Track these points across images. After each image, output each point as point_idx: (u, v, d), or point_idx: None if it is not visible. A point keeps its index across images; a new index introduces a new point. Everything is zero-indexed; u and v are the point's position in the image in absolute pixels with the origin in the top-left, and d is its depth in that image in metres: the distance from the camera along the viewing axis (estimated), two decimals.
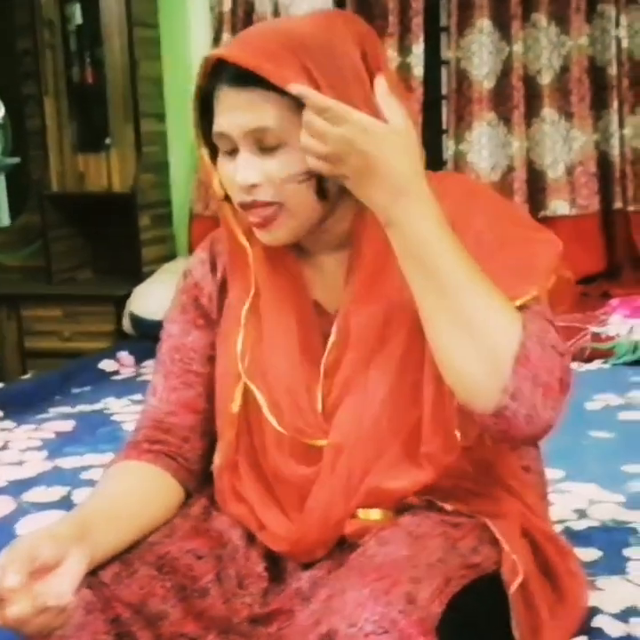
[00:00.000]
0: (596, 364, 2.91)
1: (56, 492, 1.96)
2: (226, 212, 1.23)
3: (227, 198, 1.20)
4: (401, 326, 1.17)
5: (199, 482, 1.32)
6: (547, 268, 1.14)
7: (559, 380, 1.08)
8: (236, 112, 1.12)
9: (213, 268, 1.32)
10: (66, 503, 1.85)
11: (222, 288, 1.31)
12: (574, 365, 2.84)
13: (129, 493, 1.22)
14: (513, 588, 1.10)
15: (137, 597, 1.14)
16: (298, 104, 1.07)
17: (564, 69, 3.37)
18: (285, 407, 1.21)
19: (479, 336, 1.05)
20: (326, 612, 1.03)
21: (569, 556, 1.28)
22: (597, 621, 1.33)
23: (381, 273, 1.18)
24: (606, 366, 2.91)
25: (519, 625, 1.10)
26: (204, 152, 1.20)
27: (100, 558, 1.12)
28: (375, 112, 1.07)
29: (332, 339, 1.21)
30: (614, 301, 3.17)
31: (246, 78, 1.10)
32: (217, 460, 1.31)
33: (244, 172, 1.13)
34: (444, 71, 3.57)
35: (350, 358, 1.19)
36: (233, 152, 1.14)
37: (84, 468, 2.11)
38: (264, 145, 1.12)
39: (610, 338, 2.97)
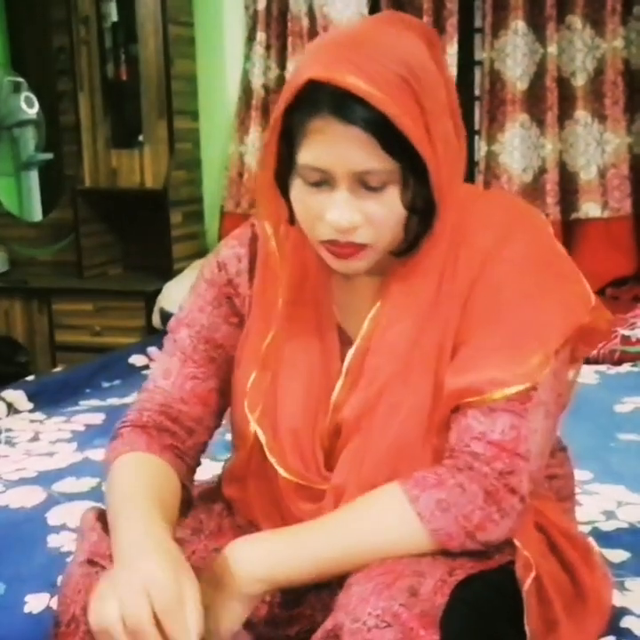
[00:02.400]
0: (626, 368, 2.90)
1: (86, 483, 1.97)
2: (266, 233, 1.21)
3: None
4: (414, 373, 1.15)
5: (193, 476, 1.29)
6: (557, 337, 1.12)
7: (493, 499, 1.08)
8: (344, 150, 1.06)
9: (251, 269, 1.28)
10: (95, 494, 1.86)
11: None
12: (604, 368, 2.83)
13: (165, 487, 1.19)
14: (527, 585, 1.10)
15: None
16: (397, 144, 1.05)
17: (598, 72, 3.34)
18: (288, 450, 1.20)
19: (387, 550, 1.09)
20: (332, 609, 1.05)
21: (590, 553, 1.28)
22: (626, 622, 1.32)
23: (407, 307, 1.17)
24: (636, 369, 2.89)
25: (531, 621, 1.09)
26: (268, 172, 1.15)
27: None
28: (457, 123, 1.11)
29: (340, 382, 1.20)
30: None
31: (354, 108, 1.04)
32: (229, 464, 1.32)
33: (345, 214, 1.08)
34: (477, 72, 3.55)
35: (358, 398, 1.18)
36: (321, 184, 1.09)
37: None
38: (368, 185, 1.07)
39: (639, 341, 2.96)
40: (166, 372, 1.28)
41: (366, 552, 1.09)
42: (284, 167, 1.13)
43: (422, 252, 1.15)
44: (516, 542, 1.12)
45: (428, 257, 1.15)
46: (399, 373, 1.15)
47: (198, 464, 1.30)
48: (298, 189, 1.11)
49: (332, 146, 1.06)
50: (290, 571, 1.10)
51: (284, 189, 1.14)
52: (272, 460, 1.21)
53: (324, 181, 1.08)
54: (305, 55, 1.12)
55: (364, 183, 1.07)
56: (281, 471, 1.20)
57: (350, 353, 1.19)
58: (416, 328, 1.15)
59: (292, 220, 1.16)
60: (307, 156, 1.08)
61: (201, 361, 1.28)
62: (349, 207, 1.08)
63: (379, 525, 1.10)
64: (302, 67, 1.09)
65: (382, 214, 1.08)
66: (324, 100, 1.05)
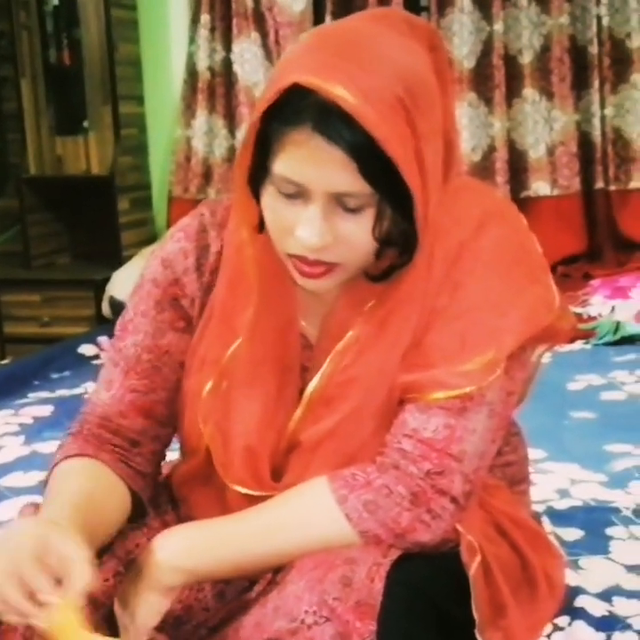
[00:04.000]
0: (578, 345, 2.91)
1: (33, 477, 1.93)
2: (240, 238, 1.14)
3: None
4: (376, 400, 1.12)
5: (151, 486, 1.24)
6: (511, 341, 1.09)
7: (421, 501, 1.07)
8: (323, 168, 0.98)
9: (199, 266, 1.19)
10: (42, 488, 1.82)
11: (207, 291, 1.20)
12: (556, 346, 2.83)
13: (99, 493, 1.14)
14: (473, 569, 1.08)
15: (100, 589, 1.12)
16: (381, 170, 0.98)
17: (545, 49, 3.35)
18: (239, 464, 1.17)
19: (313, 548, 1.07)
20: (268, 613, 1.03)
21: (539, 536, 1.26)
22: (580, 601, 1.32)
23: (374, 342, 1.12)
24: (588, 347, 2.92)
25: (479, 605, 1.07)
26: (241, 176, 1.07)
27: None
28: (451, 137, 1.07)
29: (299, 411, 1.16)
30: (596, 282, 3.17)
31: (338, 127, 0.96)
32: (176, 464, 1.29)
33: (317, 233, 1.01)
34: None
35: (318, 429, 1.14)
36: (295, 196, 1.02)
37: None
38: (346, 206, 1.01)
39: (591, 318, 2.97)
40: (108, 384, 1.22)
41: (291, 548, 1.08)
42: (257, 171, 1.05)
43: (400, 279, 1.10)
44: (459, 527, 1.09)
45: (405, 285, 1.10)
46: (360, 404, 1.12)
47: (156, 471, 1.26)
48: (270, 198, 1.04)
49: (311, 162, 0.98)
50: (208, 561, 1.08)
51: (256, 192, 1.08)
52: (220, 472, 1.18)
53: (298, 194, 1.02)
54: (292, 53, 1.04)
55: (341, 203, 1.01)
56: (229, 483, 1.17)
57: (312, 384, 1.14)
58: (382, 358, 1.12)
59: (261, 226, 1.10)
60: (283, 167, 1.00)
61: (144, 372, 1.20)
62: (322, 226, 1.01)
63: (304, 523, 1.08)
64: (288, 67, 1.01)
65: (356, 237, 1.02)
66: (307, 110, 0.97)
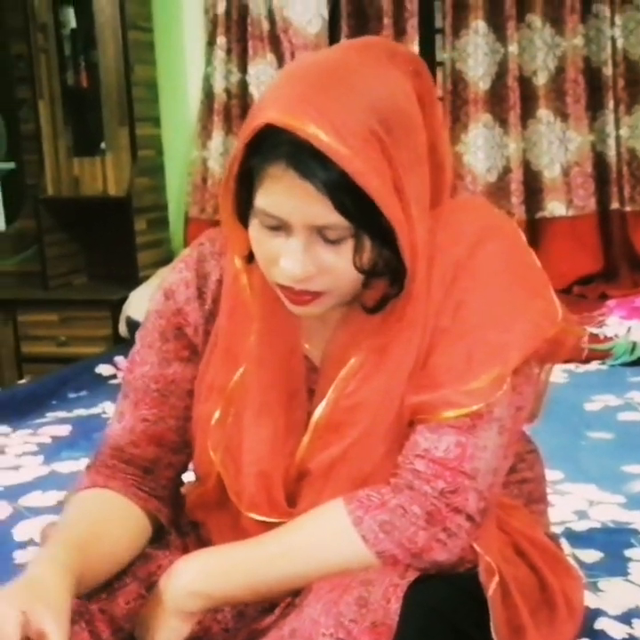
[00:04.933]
0: (595, 365, 2.90)
1: (52, 497, 1.94)
2: (236, 267, 1.17)
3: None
4: (384, 423, 1.12)
5: (171, 506, 1.26)
6: (516, 356, 1.09)
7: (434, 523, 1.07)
8: (300, 203, 1.00)
9: (200, 294, 1.22)
10: (62, 508, 1.82)
11: (210, 318, 1.22)
12: (572, 366, 2.83)
13: (106, 518, 1.16)
14: (491, 590, 1.08)
15: (121, 611, 1.14)
16: (358, 204, 0.99)
17: (560, 70, 3.36)
18: (254, 491, 1.17)
19: (330, 571, 1.07)
20: (286, 636, 1.03)
21: (558, 558, 1.26)
22: (600, 624, 1.32)
23: (377, 368, 1.13)
24: (604, 367, 2.91)
25: (498, 626, 1.07)
26: (227, 209, 1.09)
27: (88, 578, 1.09)
28: (440, 160, 1.08)
29: (306, 438, 1.16)
30: (611, 302, 3.16)
31: (311, 163, 0.97)
32: (192, 488, 1.29)
33: (299, 264, 1.03)
34: (439, 73, 3.56)
35: (327, 455, 1.14)
36: (277, 229, 1.04)
37: (80, 473, 2.09)
38: (326, 237, 1.02)
39: (608, 339, 2.97)
40: (120, 416, 1.25)
41: (309, 571, 1.08)
42: (244, 204, 1.07)
43: (399, 307, 1.10)
44: (477, 547, 1.09)
45: (404, 313, 1.11)
46: (368, 429, 1.12)
47: (174, 494, 1.27)
48: (255, 230, 1.06)
49: (288, 197, 1.00)
50: (227, 586, 1.09)
51: (246, 223, 1.09)
52: (234, 499, 1.18)
53: (280, 227, 1.03)
54: (269, 90, 1.05)
55: (322, 235, 1.02)
56: (243, 510, 1.18)
57: (318, 411, 1.15)
58: (387, 382, 1.12)
59: (253, 255, 1.12)
60: (263, 200, 1.02)
61: (153, 402, 1.23)
62: (303, 258, 1.02)
63: (321, 546, 1.09)
64: (263, 106, 1.02)
65: (339, 267, 1.04)
66: (281, 147, 0.98)
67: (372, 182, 0.98)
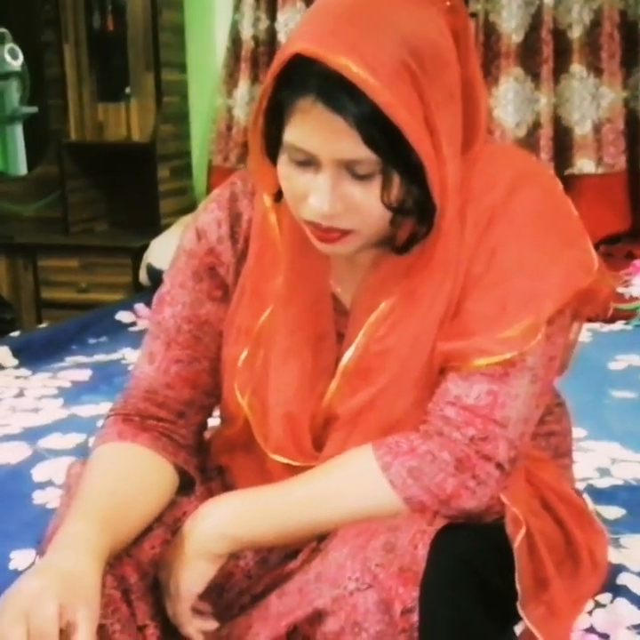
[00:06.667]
0: (619, 325, 2.87)
1: (72, 440, 1.93)
2: (265, 206, 1.15)
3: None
4: (414, 370, 1.11)
5: (197, 454, 1.25)
6: (550, 305, 1.08)
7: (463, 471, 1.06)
8: (329, 137, 0.98)
9: (233, 234, 1.20)
10: (81, 450, 1.83)
11: (242, 258, 1.20)
12: (597, 326, 2.80)
13: (133, 481, 1.15)
14: (517, 541, 1.07)
15: (147, 556, 1.14)
16: (388, 138, 0.97)
17: (595, 24, 3.28)
18: (281, 433, 1.16)
19: (358, 516, 1.07)
20: (311, 580, 1.03)
21: (583, 512, 1.25)
22: (622, 579, 1.30)
23: (408, 311, 1.11)
24: (629, 327, 2.88)
25: (523, 578, 1.07)
26: (256, 145, 1.08)
27: (118, 549, 1.09)
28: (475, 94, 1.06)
29: (335, 383, 1.15)
30: (638, 262, 3.12)
31: (341, 96, 0.96)
32: (217, 432, 1.28)
33: (326, 201, 1.01)
34: (472, 24, 3.48)
35: (355, 401, 1.14)
36: (306, 164, 1.03)
37: (101, 416, 2.08)
38: (355, 173, 1.01)
39: (633, 299, 2.93)
40: (151, 357, 1.23)
41: (336, 516, 1.07)
42: (273, 140, 1.06)
43: (430, 248, 1.09)
44: (504, 499, 1.09)
45: (436, 254, 1.09)
46: (398, 375, 1.11)
47: (200, 440, 1.27)
48: (284, 166, 1.05)
49: (317, 131, 0.98)
50: (254, 529, 1.09)
51: (274, 161, 1.08)
52: (261, 442, 1.18)
53: (308, 162, 1.02)
54: (300, 23, 1.04)
55: (351, 170, 1.01)
56: (269, 453, 1.17)
57: (347, 355, 1.14)
58: (417, 327, 1.11)
59: (281, 193, 1.10)
60: (292, 135, 1.01)
61: (186, 343, 1.21)
62: (331, 194, 1.01)
63: (349, 492, 1.08)
64: (294, 37, 1.01)
65: (367, 204, 1.02)
66: (311, 79, 0.97)
67: (401, 115, 0.96)
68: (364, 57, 0.95)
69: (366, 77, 0.95)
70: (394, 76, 0.96)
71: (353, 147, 0.98)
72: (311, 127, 0.99)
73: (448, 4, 1.05)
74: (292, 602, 1.04)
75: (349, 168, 1.01)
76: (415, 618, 0.97)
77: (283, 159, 1.05)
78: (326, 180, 1.01)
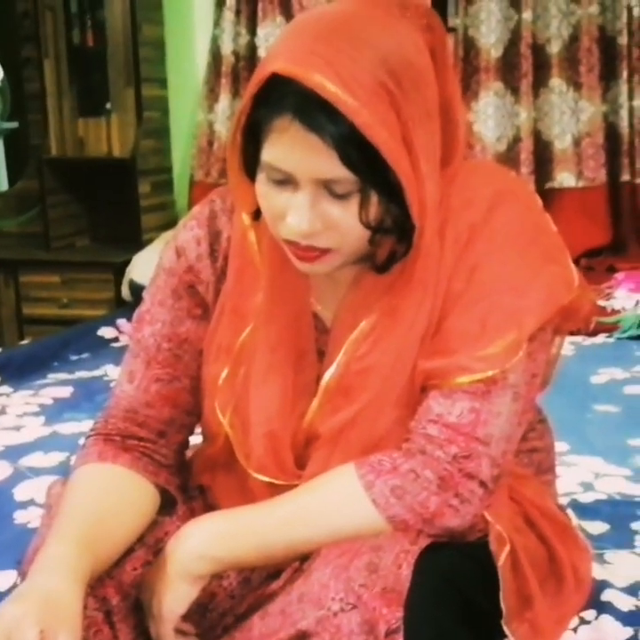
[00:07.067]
0: (601, 338, 2.88)
1: (54, 458, 1.92)
2: (244, 224, 1.15)
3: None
4: (395, 388, 1.11)
5: (179, 473, 1.25)
6: (532, 322, 1.08)
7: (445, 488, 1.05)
8: (306, 156, 0.98)
9: (212, 252, 1.19)
10: (63, 468, 1.81)
11: (221, 276, 1.20)
12: (579, 339, 2.81)
13: (114, 502, 1.14)
14: (501, 559, 1.07)
15: (128, 578, 1.13)
16: (365, 157, 0.97)
17: (574, 38, 3.31)
18: (262, 452, 1.16)
19: (341, 535, 1.06)
20: (294, 601, 1.02)
21: (567, 529, 1.25)
22: (607, 595, 1.30)
23: (389, 330, 1.11)
24: (611, 340, 2.88)
25: (507, 596, 1.07)
26: (234, 164, 1.07)
27: (100, 571, 1.08)
28: (454, 116, 1.06)
29: (316, 401, 1.14)
30: (620, 275, 3.13)
31: (317, 115, 0.95)
32: (199, 451, 1.28)
33: (305, 220, 1.01)
34: (451, 39, 3.50)
35: (336, 420, 1.13)
36: (284, 183, 1.02)
37: (83, 434, 2.07)
38: (333, 191, 1.00)
39: (615, 312, 2.94)
40: (131, 376, 1.22)
41: (319, 536, 1.07)
42: (251, 158, 1.05)
43: (410, 267, 1.08)
44: (488, 516, 1.09)
45: (416, 272, 1.08)
46: (379, 393, 1.11)
47: (182, 459, 1.26)
48: (262, 185, 1.04)
49: (295, 150, 0.98)
50: (236, 550, 1.08)
51: (253, 179, 1.07)
52: (242, 460, 1.17)
53: (286, 181, 1.02)
54: (277, 40, 1.04)
55: (329, 189, 1.00)
56: (251, 472, 1.17)
57: (328, 373, 1.13)
58: (398, 345, 1.10)
59: (260, 211, 1.10)
60: (269, 154, 1.01)
61: (165, 361, 1.20)
62: (310, 213, 1.01)
63: (332, 511, 1.08)
64: (271, 55, 1.00)
65: (345, 223, 1.02)
66: (288, 98, 0.96)
67: (379, 134, 0.96)
68: (341, 76, 0.95)
69: (343, 96, 0.94)
70: (371, 94, 0.96)
71: (330, 166, 0.98)
72: (288, 146, 0.98)
73: (425, 21, 1.05)
74: (274, 623, 1.03)
75: (327, 187, 1.00)
76: (400, 638, 0.97)
77: (261, 178, 1.04)
78: (304, 199, 1.01)
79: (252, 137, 1.04)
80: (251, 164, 1.06)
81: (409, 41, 1.01)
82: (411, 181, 1.00)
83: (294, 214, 1.02)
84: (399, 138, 0.98)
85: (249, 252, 1.16)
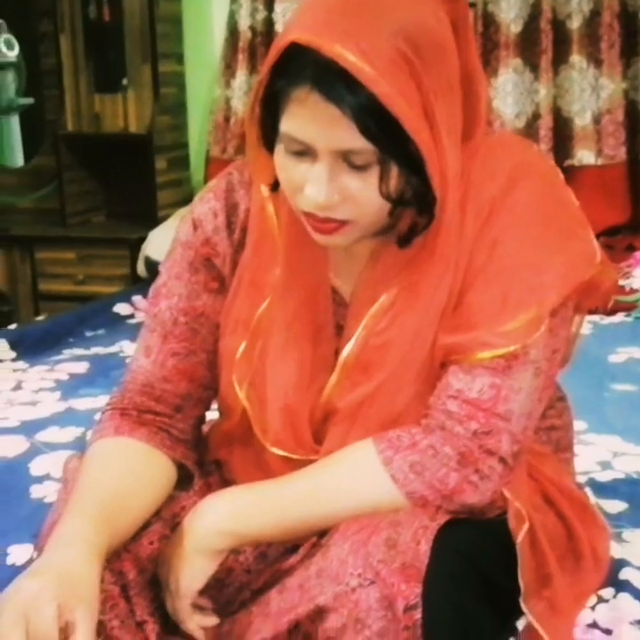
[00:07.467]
0: (619, 317, 2.86)
1: (70, 433, 1.92)
2: (263, 196, 1.14)
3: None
4: (414, 364, 1.10)
5: (196, 448, 1.24)
6: (553, 297, 1.06)
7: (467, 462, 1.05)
8: (325, 126, 0.97)
9: (229, 224, 1.19)
10: (79, 444, 1.81)
11: (239, 249, 1.19)
12: (597, 318, 2.79)
13: (131, 477, 1.14)
14: (520, 536, 1.07)
15: (145, 552, 1.13)
16: (385, 128, 0.96)
17: (594, 14, 3.26)
18: (279, 426, 1.15)
19: (360, 511, 1.05)
20: (312, 576, 1.02)
21: (585, 507, 1.25)
22: (625, 574, 1.29)
23: (408, 304, 1.10)
24: (629, 320, 2.87)
25: (525, 574, 1.06)
26: (253, 135, 1.06)
27: (116, 545, 1.07)
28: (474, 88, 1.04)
29: (334, 376, 1.14)
30: (638, 254, 3.11)
31: (336, 85, 0.94)
32: (215, 426, 1.27)
33: (323, 191, 1.00)
34: (470, 13, 3.47)
35: (355, 395, 1.12)
36: (302, 154, 1.01)
37: (98, 410, 2.06)
38: (352, 163, 0.99)
39: (634, 291, 2.92)
40: (147, 350, 1.21)
41: (338, 511, 1.07)
42: (270, 130, 1.05)
43: (431, 240, 1.07)
44: (507, 493, 1.08)
45: (436, 246, 1.07)
46: (398, 368, 1.10)
47: (198, 434, 1.26)
48: (280, 156, 1.04)
49: (313, 120, 0.97)
50: (255, 525, 1.08)
51: (272, 151, 1.07)
52: (259, 435, 1.17)
53: (305, 152, 1.01)
54: (296, 11, 1.03)
55: (348, 160, 0.99)
56: (268, 446, 1.16)
57: (347, 348, 1.13)
58: (418, 320, 1.09)
59: (278, 183, 1.09)
60: (288, 125, 1.00)
61: (182, 335, 1.20)
62: (328, 184, 1.00)
63: (350, 487, 1.07)
64: (290, 26, 0.99)
65: (364, 194, 1.01)
66: (307, 68, 0.96)
67: (398, 105, 0.95)
68: (360, 46, 0.94)
69: (362, 66, 0.93)
70: (390, 65, 0.95)
71: (349, 137, 0.97)
72: (307, 117, 0.98)
73: None
74: (292, 598, 1.03)
75: (346, 158, 0.99)
76: (418, 615, 0.96)
77: (279, 149, 1.04)
78: (323, 171, 1.00)
79: (270, 108, 1.03)
80: (269, 135, 1.05)
81: (429, 11, 1.00)
82: (431, 152, 0.99)
83: (312, 185, 1.01)
84: (420, 108, 0.97)
85: (267, 225, 1.15)
